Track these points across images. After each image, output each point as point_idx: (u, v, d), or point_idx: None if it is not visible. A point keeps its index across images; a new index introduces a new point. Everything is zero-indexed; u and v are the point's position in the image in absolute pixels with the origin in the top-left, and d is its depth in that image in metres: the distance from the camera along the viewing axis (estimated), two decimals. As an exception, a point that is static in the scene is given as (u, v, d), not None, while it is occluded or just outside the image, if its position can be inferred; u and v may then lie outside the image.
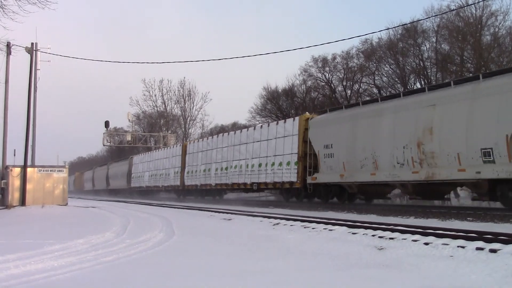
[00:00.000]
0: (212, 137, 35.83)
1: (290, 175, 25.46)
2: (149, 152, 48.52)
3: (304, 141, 24.82)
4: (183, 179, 38.30)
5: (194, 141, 39.83)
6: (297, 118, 26.23)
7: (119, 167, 56.29)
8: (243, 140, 30.54)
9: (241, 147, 30.55)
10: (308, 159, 24.29)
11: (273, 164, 26.85)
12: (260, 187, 28.68)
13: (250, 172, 28.97)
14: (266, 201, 31.58)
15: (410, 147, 18.48)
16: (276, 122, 29.63)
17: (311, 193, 24.65)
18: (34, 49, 27.97)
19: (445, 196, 20.85)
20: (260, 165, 28.15)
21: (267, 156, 27.56)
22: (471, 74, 29.62)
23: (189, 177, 37.21)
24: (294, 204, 25.33)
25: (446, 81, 23.30)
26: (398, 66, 36.70)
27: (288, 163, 25.61)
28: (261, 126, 30.95)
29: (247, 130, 31.43)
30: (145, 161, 47.38)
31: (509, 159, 14.97)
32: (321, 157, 23.26)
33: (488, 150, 15.67)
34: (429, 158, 17.75)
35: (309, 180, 24.03)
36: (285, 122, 27.33)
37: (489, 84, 16.27)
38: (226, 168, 31.85)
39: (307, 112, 28.83)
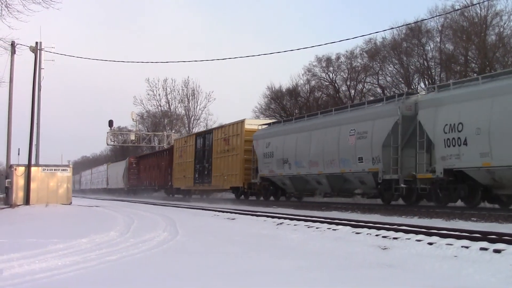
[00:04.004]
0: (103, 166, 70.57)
1: None
2: (87, 170, 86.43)
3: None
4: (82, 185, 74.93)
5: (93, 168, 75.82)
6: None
7: (76, 177, 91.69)
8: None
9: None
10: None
11: None
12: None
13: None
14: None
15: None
16: None
17: None
18: (39, 48, 28.04)
19: None
20: None
21: None
22: (475, 74, 29.62)
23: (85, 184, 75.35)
24: (296, 204, 25.43)
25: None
26: (402, 66, 36.61)
27: None
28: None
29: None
30: (84, 175, 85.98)
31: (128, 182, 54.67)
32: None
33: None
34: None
35: None
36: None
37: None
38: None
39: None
